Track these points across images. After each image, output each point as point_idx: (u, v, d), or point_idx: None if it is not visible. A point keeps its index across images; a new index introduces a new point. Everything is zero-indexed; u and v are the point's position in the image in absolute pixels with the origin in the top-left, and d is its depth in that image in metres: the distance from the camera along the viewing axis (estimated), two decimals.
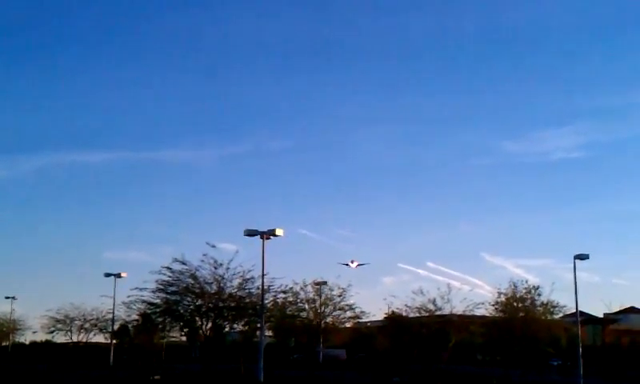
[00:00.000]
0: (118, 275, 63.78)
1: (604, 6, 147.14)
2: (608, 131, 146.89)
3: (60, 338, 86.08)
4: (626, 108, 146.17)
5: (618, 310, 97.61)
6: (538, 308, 61.84)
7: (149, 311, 54.33)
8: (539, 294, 61.31)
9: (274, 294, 52.06)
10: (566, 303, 61.91)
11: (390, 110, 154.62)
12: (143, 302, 52.16)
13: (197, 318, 52.01)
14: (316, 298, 62.23)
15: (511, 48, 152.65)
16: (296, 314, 61.40)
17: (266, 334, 60.32)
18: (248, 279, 49.44)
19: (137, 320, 62.93)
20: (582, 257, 51.80)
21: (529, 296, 61.44)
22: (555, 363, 70.29)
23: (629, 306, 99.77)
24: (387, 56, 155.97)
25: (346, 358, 76.92)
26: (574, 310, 53.54)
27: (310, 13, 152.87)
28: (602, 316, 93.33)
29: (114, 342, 71.84)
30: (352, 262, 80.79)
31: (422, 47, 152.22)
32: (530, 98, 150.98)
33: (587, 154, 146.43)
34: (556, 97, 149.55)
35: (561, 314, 64.56)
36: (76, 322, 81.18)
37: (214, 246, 49.62)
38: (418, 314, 61.04)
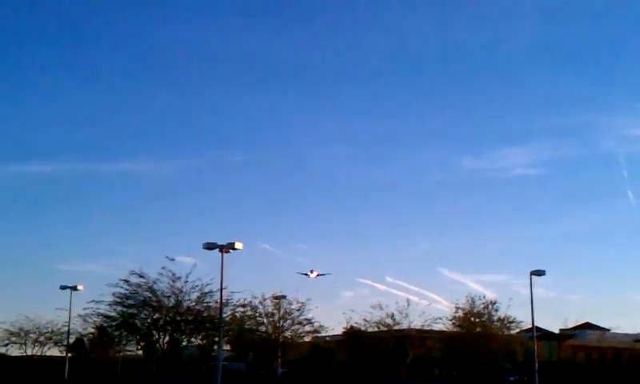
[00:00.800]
0: (74, 288, 62.77)
1: (560, 27, 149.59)
2: (564, 149, 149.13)
3: (14, 352, 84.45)
4: (582, 126, 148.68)
5: (573, 325, 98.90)
6: (495, 323, 62.52)
7: (105, 324, 53.87)
8: (496, 310, 62.12)
9: (232, 307, 52.11)
10: (523, 319, 62.67)
11: (348, 129, 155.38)
12: (99, 315, 51.85)
13: (154, 332, 51.66)
14: (275, 311, 62.05)
15: (468, 67, 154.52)
16: (254, 328, 61.21)
17: (224, 348, 59.98)
18: (206, 293, 49.39)
19: (93, 333, 62.24)
20: (539, 273, 52.35)
21: (486, 311, 62.10)
22: (512, 378, 70.86)
23: (584, 321, 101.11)
24: (345, 75, 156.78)
25: (245, 372, 73.08)
26: (531, 326, 54.09)
27: (269, 31, 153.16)
28: (557, 331, 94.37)
29: (70, 355, 70.65)
30: (311, 271, 78.99)
31: (380, 67, 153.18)
32: (488, 117, 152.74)
33: (545, 171, 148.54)
34: (513, 115, 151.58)
35: (517, 330, 65.30)
36: (31, 335, 79.56)
37: (172, 259, 49.57)
38: (376, 329, 61.29)
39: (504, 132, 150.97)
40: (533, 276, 52.23)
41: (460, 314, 62.07)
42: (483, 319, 62.01)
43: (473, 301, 62.30)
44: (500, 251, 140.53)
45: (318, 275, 78.63)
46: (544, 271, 52.67)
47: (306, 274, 78.02)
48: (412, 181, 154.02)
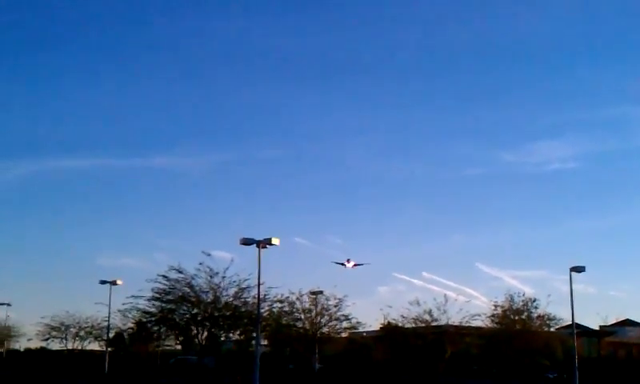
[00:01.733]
0: (114, 282, 63.50)
1: (597, 20, 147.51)
2: (602, 143, 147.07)
3: (55, 346, 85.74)
4: (619, 120, 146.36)
5: (613, 322, 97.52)
6: (535, 320, 61.84)
7: (144, 319, 54.28)
8: (536, 307, 61.44)
9: (269, 303, 52.07)
10: (562, 315, 61.97)
11: (383, 122, 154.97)
12: (138, 310, 52.20)
13: (192, 327, 51.98)
14: (312, 307, 61.99)
15: (504, 61, 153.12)
16: (292, 323, 61.26)
17: (262, 343, 60.17)
18: (244, 288, 49.50)
19: (132, 328, 62.79)
20: (579, 269, 51.63)
21: (525, 308, 61.45)
22: (551, 376, 70.16)
23: (624, 318, 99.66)
24: (380, 68, 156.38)
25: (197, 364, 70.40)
26: (570, 322, 53.43)
27: (301, 25, 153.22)
28: (597, 328, 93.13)
29: (110, 349, 71.47)
30: (348, 261, 76.25)
31: (415, 61, 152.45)
32: (524, 110, 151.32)
33: (582, 164, 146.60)
34: (550, 108, 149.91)
35: (557, 327, 64.54)
36: (71, 329, 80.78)
37: (209, 255, 49.69)
38: (414, 325, 60.94)
39: (541, 126, 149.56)
40: (572, 272, 51.58)
41: (499, 311, 61.51)
42: (522, 316, 61.38)
43: (512, 298, 61.79)
44: (538, 246, 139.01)
45: (355, 265, 75.84)
46: (584, 267, 51.93)
47: (343, 264, 75.35)
48: (448, 174, 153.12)
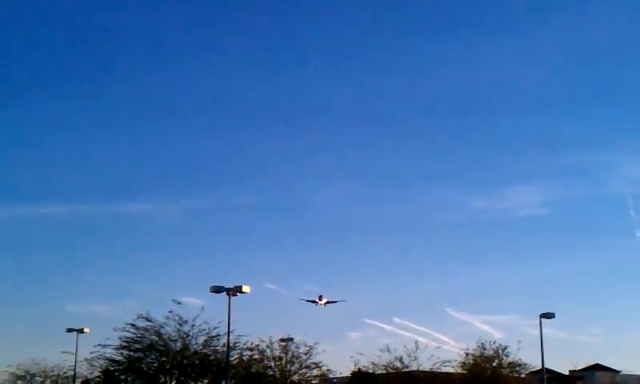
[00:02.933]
0: (81, 330, 62.43)
1: (566, 69, 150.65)
2: (571, 188, 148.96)
3: None
4: (587, 165, 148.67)
5: (583, 367, 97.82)
6: (505, 368, 61.87)
7: (111, 368, 53.55)
8: (507, 355, 61.54)
9: (239, 351, 51.80)
10: (532, 360, 61.99)
11: (353, 169, 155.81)
12: (106, 358, 51.61)
13: (160, 376, 51.35)
14: (282, 355, 61.45)
15: (475, 108, 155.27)
16: (262, 371, 60.67)
17: None
18: (213, 336, 49.30)
19: (99, 377, 61.79)
20: (548, 315, 51.87)
21: (496, 356, 61.53)
22: None
23: (594, 362, 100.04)
24: (351, 116, 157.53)
25: None
26: (540, 368, 53.53)
27: (273, 72, 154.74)
28: (567, 373, 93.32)
29: None
30: (320, 298, 73.50)
31: (385, 108, 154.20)
32: (494, 156, 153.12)
33: (551, 210, 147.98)
34: (519, 155, 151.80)
35: (527, 372, 64.58)
36: (37, 378, 79.14)
37: (179, 303, 49.43)
38: (384, 372, 60.67)
39: (510, 172, 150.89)
40: (542, 318, 51.83)
41: (470, 360, 61.51)
42: (494, 364, 61.41)
43: (483, 346, 61.83)
44: (508, 291, 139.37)
45: (327, 302, 73.78)
46: (553, 314, 52.17)
47: (314, 302, 72.96)
48: (419, 220, 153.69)
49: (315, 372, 62.71)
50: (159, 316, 49.24)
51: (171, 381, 50.80)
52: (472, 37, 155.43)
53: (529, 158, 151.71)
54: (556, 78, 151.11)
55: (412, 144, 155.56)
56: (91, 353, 52.71)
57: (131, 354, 50.10)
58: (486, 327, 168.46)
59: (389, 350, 60.08)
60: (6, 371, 79.08)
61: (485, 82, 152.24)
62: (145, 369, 51.17)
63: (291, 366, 61.54)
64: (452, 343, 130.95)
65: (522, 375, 64.28)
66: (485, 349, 61.89)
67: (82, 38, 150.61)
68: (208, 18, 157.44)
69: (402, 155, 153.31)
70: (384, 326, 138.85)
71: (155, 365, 50.63)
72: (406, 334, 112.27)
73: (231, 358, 46.77)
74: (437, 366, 59.09)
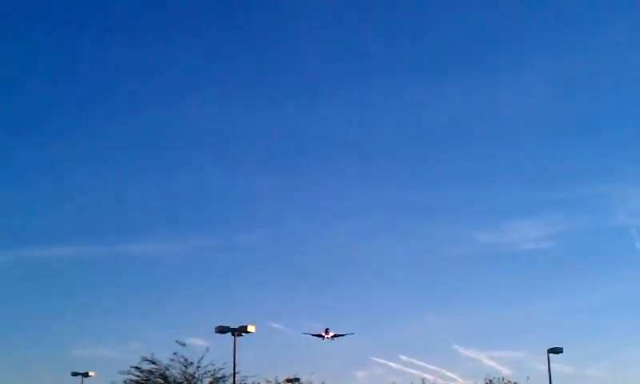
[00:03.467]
0: (86, 374, 62.16)
1: (566, 99, 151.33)
2: (575, 221, 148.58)
3: None
4: (591, 198, 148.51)
5: None
6: None
7: None
8: None
9: None
10: None
11: (358, 205, 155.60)
12: None
13: None
14: None
15: (476, 141, 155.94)
16: None
17: None
18: (219, 378, 48.76)
19: None
20: (556, 351, 51.66)
21: None
22: None
23: None
24: (354, 150, 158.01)
25: None
26: None
27: (275, 106, 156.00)
28: None
29: None
30: (326, 331, 70.52)
31: (388, 142, 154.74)
32: (497, 190, 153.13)
33: (555, 244, 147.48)
34: (523, 188, 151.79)
35: None
36: None
37: (184, 344, 49.07)
38: None
39: (514, 206, 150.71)
40: (550, 354, 51.57)
41: None
42: None
43: (491, 382, 61.37)
44: (515, 326, 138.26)
45: (334, 336, 71.28)
46: (561, 349, 51.98)
47: (320, 336, 70.96)
48: (423, 255, 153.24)
49: None
50: (164, 358, 48.90)
51: None
52: (465, 71, 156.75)
53: (531, 191, 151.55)
54: (555, 108, 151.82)
55: (413, 178, 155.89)
56: None
57: None
58: (493, 363, 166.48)
59: None
60: None
61: (481, 115, 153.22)
62: None
63: None
64: (459, 380, 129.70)
65: None
66: None
67: (79, 72, 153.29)
68: (207, 54, 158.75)
69: (403, 189, 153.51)
70: (391, 363, 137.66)
71: None
72: (414, 371, 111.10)
73: None
74: None
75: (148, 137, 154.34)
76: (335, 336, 72.19)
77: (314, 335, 72.59)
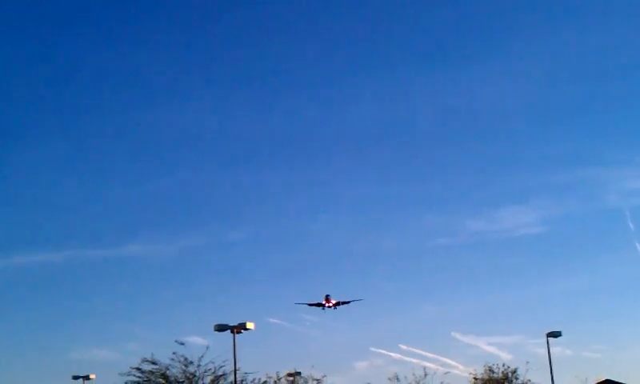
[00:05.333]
0: (87, 377, 62.07)
1: (557, 84, 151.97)
2: (568, 205, 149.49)
3: None
4: (585, 182, 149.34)
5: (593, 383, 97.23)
6: None
7: None
8: (516, 377, 61.15)
9: None
10: (542, 380, 61.63)
11: (348, 198, 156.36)
12: None
13: None
14: None
15: (463, 129, 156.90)
16: None
17: None
18: (220, 376, 48.76)
19: None
20: (555, 334, 51.96)
21: (505, 379, 61.15)
22: None
23: (604, 378, 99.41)
24: (342, 145, 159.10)
25: None
26: None
27: (259, 104, 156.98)
28: None
29: None
30: (327, 300, 65.95)
31: (377, 135, 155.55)
32: (485, 177, 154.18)
33: (548, 228, 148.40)
34: (512, 174, 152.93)
35: None
36: None
37: (182, 344, 49.06)
38: None
39: (504, 193, 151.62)
40: (549, 338, 51.73)
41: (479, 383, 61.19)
42: None
43: (491, 368, 61.46)
44: (511, 311, 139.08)
45: (337, 304, 67.21)
46: (560, 332, 52.26)
47: (320, 305, 66.78)
48: (416, 245, 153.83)
49: None
50: (164, 358, 48.89)
51: None
52: (453, 62, 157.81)
53: (521, 177, 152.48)
54: (542, 95, 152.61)
55: (403, 170, 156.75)
56: None
57: None
58: (492, 349, 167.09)
59: (397, 379, 59.66)
60: None
61: (468, 105, 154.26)
62: None
63: None
64: (460, 367, 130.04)
65: None
66: (493, 372, 61.61)
67: (67, 79, 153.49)
68: (194, 55, 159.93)
69: (394, 182, 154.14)
70: (391, 354, 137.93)
71: None
72: (414, 360, 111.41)
73: None
74: None
75: (135, 138, 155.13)
76: (338, 304, 67.96)
77: (311, 305, 68.67)
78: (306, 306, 68.15)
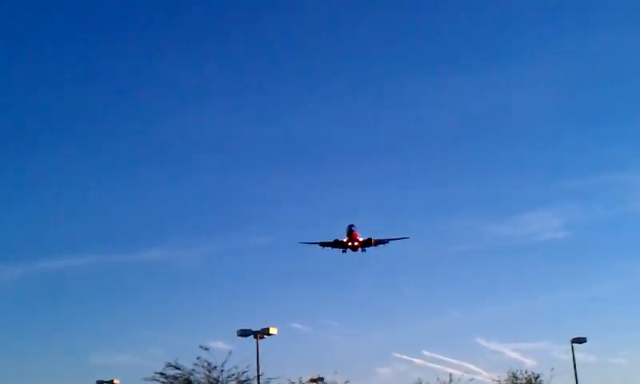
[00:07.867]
0: (111, 382, 62.40)
1: (580, 90, 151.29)
2: (593, 210, 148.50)
3: None
4: (606, 186, 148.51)
5: None
6: None
7: None
8: (540, 383, 60.79)
9: None
10: None
11: (368, 202, 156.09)
12: None
13: None
14: None
15: (488, 134, 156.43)
16: None
17: None
18: (243, 381, 48.80)
19: None
20: (580, 340, 51.64)
21: None
22: None
23: None
24: (364, 151, 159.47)
25: None
26: None
27: (282, 111, 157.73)
28: None
29: None
30: (352, 235, 51.42)
31: (401, 140, 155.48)
32: (510, 183, 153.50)
33: (573, 233, 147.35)
34: (538, 179, 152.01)
35: None
36: None
37: (207, 349, 49.11)
38: None
39: (529, 198, 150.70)
40: (574, 344, 51.39)
41: None
42: None
43: (514, 375, 61.10)
44: (536, 317, 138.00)
45: (377, 243, 53.92)
46: (585, 338, 51.93)
47: (342, 247, 52.37)
48: (441, 251, 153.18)
49: None
50: (187, 363, 48.98)
51: None
52: (476, 65, 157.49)
53: (546, 182, 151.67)
54: (569, 100, 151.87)
55: (428, 175, 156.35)
56: None
57: None
58: (516, 355, 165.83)
59: None
60: None
61: (493, 110, 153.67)
62: None
63: None
64: (484, 373, 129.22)
65: None
66: (517, 378, 61.25)
67: (89, 84, 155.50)
68: (216, 60, 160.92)
69: (418, 187, 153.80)
70: (414, 359, 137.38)
71: None
72: (437, 366, 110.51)
73: None
74: None
75: (160, 143, 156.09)
76: (370, 243, 53.19)
77: (324, 245, 54.50)
78: (318, 246, 55.73)
